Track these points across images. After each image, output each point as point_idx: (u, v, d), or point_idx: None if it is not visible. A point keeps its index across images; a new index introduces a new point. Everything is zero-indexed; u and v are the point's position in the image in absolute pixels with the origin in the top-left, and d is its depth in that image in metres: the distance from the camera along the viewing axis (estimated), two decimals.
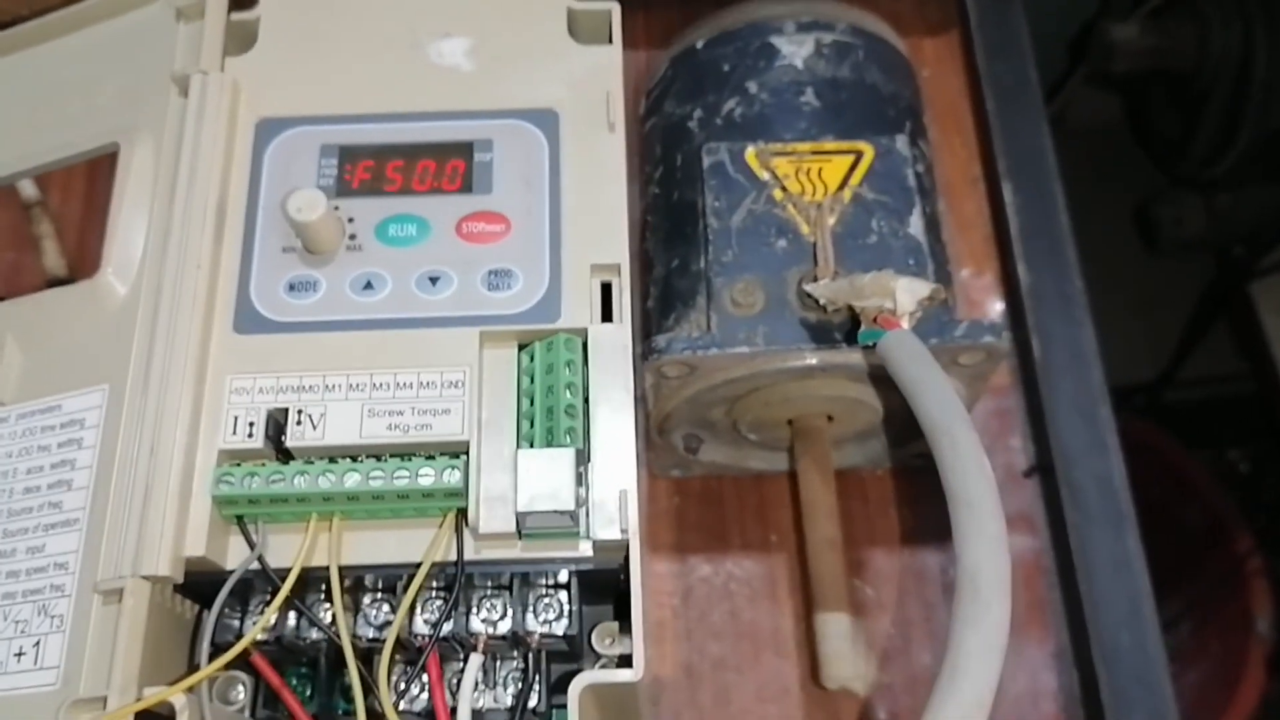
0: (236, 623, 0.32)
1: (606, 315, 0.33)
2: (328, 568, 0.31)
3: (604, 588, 0.33)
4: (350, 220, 0.34)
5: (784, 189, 0.38)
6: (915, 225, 0.38)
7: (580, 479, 0.31)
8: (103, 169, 0.50)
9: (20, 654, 0.30)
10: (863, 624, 0.42)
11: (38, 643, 0.30)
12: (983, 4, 0.52)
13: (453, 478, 0.31)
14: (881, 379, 0.37)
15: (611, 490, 0.31)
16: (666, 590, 0.44)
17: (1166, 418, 1.05)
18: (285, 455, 0.32)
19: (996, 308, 0.48)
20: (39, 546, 0.31)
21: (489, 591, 0.32)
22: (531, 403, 0.32)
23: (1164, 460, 0.97)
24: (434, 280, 0.33)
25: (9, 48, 0.39)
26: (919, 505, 0.45)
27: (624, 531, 0.30)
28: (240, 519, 0.31)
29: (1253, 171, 0.86)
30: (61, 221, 0.50)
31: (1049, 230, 0.48)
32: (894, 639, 0.43)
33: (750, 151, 0.39)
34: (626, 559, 0.31)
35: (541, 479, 0.30)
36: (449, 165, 0.34)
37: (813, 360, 0.36)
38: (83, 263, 0.49)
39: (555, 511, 0.30)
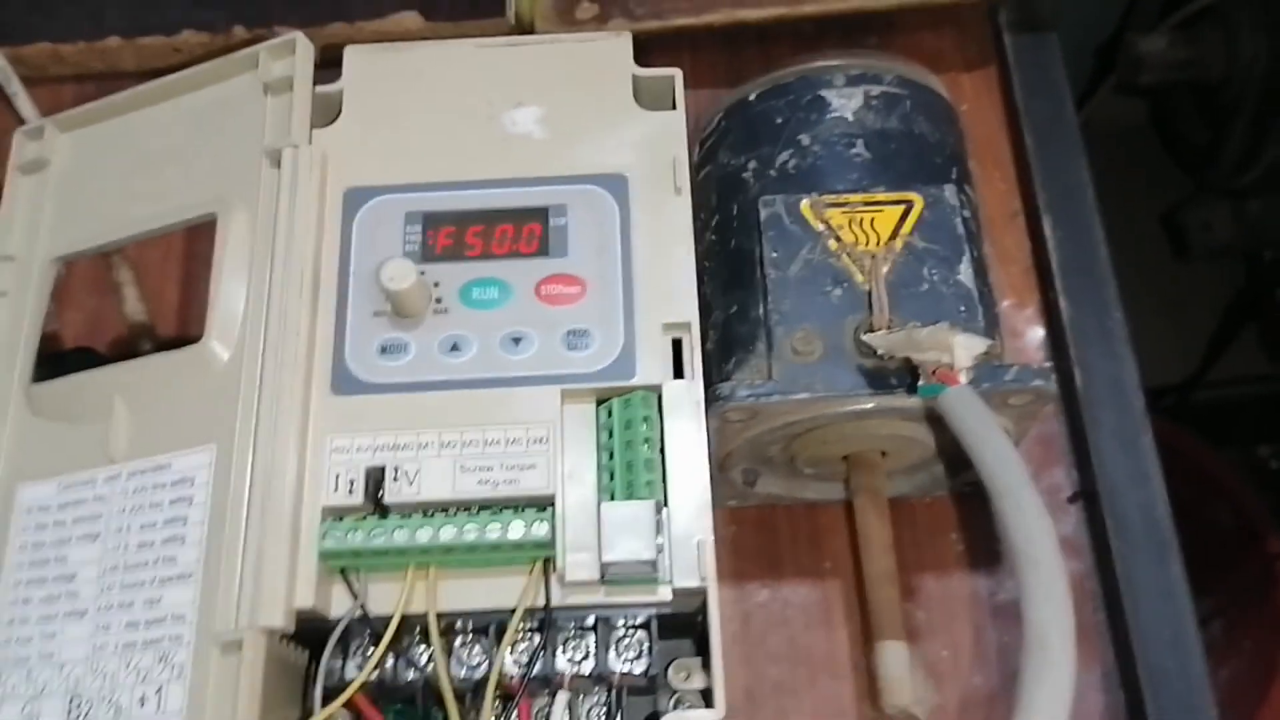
0: (339, 666, 0.34)
1: (678, 370, 0.35)
2: (424, 614, 0.33)
3: (681, 626, 0.35)
4: (436, 284, 0.36)
5: (838, 239, 0.40)
6: (965, 273, 0.40)
7: (659, 529, 0.33)
8: None
9: (144, 700, 0.32)
10: (917, 647, 0.44)
11: (160, 689, 0.32)
12: (1019, 42, 0.54)
13: (541, 530, 0.33)
14: (934, 419, 0.39)
15: (689, 539, 0.33)
16: (726, 616, 0.45)
17: (1196, 417, 1.06)
18: (383, 511, 0.34)
19: (1038, 337, 0.50)
20: (156, 599, 0.34)
21: (573, 633, 0.34)
22: (611, 456, 0.34)
23: (1191, 461, 0.98)
24: (516, 341, 0.35)
25: (98, 117, 0.42)
26: (967, 531, 0.46)
27: (703, 579, 0.32)
28: (343, 571, 0.34)
29: None
30: (139, 268, 0.52)
31: (1089, 265, 0.49)
32: (946, 660, 0.44)
33: (805, 203, 0.41)
34: (704, 604, 0.33)
35: (624, 530, 0.32)
36: (526, 229, 0.37)
37: (870, 405, 0.38)
38: (161, 309, 0.52)
39: (637, 561, 0.32)
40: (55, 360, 0.41)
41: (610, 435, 0.34)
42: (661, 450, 0.34)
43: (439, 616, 0.33)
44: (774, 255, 0.40)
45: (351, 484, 0.34)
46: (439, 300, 0.36)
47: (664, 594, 0.33)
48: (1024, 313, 0.50)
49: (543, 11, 0.52)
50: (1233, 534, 0.97)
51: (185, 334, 0.51)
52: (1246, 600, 0.96)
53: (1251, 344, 1.02)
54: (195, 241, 0.52)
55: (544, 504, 0.34)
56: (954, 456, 0.42)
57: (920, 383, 0.35)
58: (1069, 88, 0.53)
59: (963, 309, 0.39)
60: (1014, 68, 0.53)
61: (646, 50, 0.46)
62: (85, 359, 0.43)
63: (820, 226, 0.40)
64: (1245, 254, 0.98)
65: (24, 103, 0.52)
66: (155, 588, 0.34)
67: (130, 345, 0.49)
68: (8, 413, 0.38)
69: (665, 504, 0.34)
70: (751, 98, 0.44)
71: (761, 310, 0.39)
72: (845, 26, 0.52)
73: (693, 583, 0.32)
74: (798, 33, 0.53)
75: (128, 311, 0.51)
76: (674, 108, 0.39)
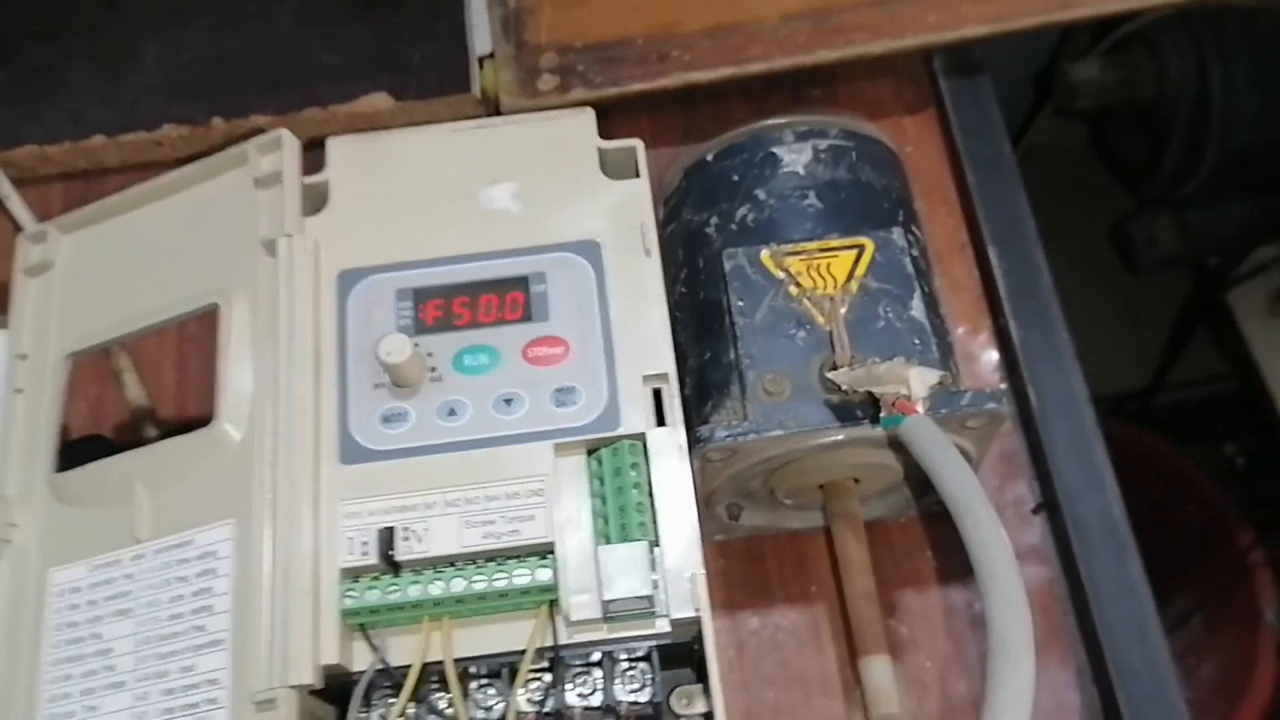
0: (364, 717, 0.37)
1: (660, 418, 0.38)
2: (441, 662, 0.36)
3: (680, 655, 0.38)
4: (430, 355, 0.39)
5: (798, 285, 0.43)
6: (917, 308, 0.43)
7: (654, 566, 0.36)
8: None
9: None
10: (900, 661, 0.47)
11: None
12: (954, 86, 0.57)
13: (544, 575, 0.36)
14: (900, 446, 0.42)
15: (682, 574, 0.36)
16: (721, 644, 0.48)
17: (1160, 421, 1.10)
18: (396, 568, 0.37)
19: (992, 360, 0.53)
20: (190, 666, 0.36)
21: (580, 669, 0.37)
22: (604, 502, 0.37)
23: (1158, 464, 1.01)
24: (508, 401, 0.38)
25: (99, 217, 0.44)
26: (940, 548, 0.49)
27: (697, 610, 0.35)
28: (363, 627, 0.36)
29: (1218, 189, 0.91)
30: (137, 353, 0.55)
31: (1035, 289, 0.53)
32: (929, 671, 0.47)
33: (765, 254, 0.44)
34: (699, 633, 0.35)
35: (621, 570, 0.35)
36: (509, 297, 0.40)
37: (839, 436, 0.41)
38: (159, 392, 0.54)
39: (636, 598, 0.35)
40: (69, 449, 0.43)
41: (601, 483, 0.37)
42: (650, 493, 0.37)
43: (455, 663, 0.36)
44: (740, 304, 0.43)
45: (365, 546, 0.36)
46: (433, 369, 0.39)
47: (662, 626, 0.36)
48: (978, 338, 0.54)
49: (506, 86, 0.55)
50: (1203, 531, 1.00)
51: (184, 413, 0.53)
52: (1223, 594, 0.98)
53: (1205, 346, 1.06)
54: (187, 325, 0.55)
55: (545, 551, 0.36)
56: (921, 479, 0.45)
57: (882, 414, 0.38)
58: (1004, 126, 0.57)
59: (917, 341, 0.42)
60: (951, 110, 0.57)
61: (607, 115, 0.49)
62: (97, 446, 0.46)
63: (781, 274, 0.43)
64: (1191, 262, 1.02)
65: (16, 204, 0.55)
66: (189, 656, 0.36)
67: (134, 428, 0.51)
68: (34, 502, 0.41)
69: (657, 543, 0.36)
70: (709, 158, 0.47)
71: (733, 355, 0.42)
72: (790, 81, 0.55)
73: (688, 613, 0.35)
74: (745, 89, 0.56)
75: (129, 397, 0.54)
76: (638, 175, 0.42)
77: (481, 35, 0.57)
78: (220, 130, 0.55)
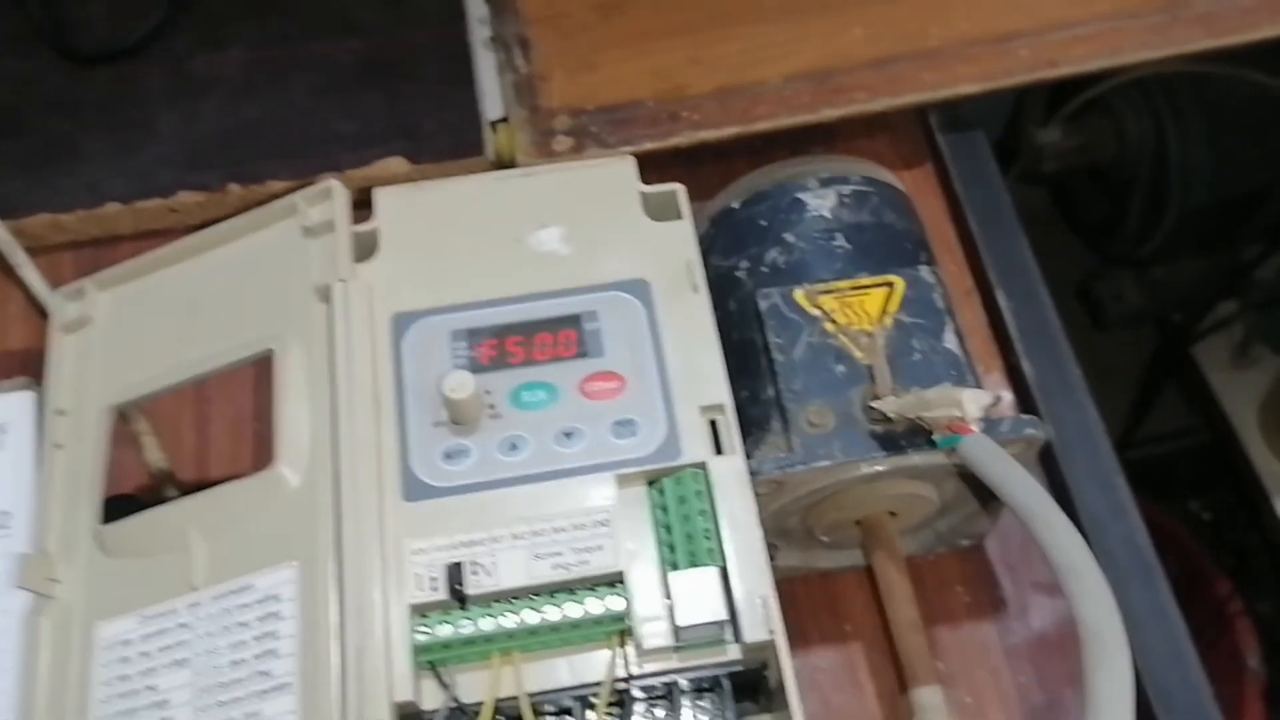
0: None
1: (718, 448, 0.39)
2: (511, 699, 0.35)
3: (745, 687, 0.38)
4: (487, 392, 0.39)
5: (834, 321, 0.45)
6: (950, 340, 0.44)
7: (725, 591, 0.36)
8: None
9: None
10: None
11: None
12: (951, 140, 0.60)
13: (616, 604, 0.36)
14: (939, 475, 0.43)
15: (752, 597, 0.36)
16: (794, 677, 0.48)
17: (1129, 476, 1.12)
18: (465, 603, 0.36)
19: (1007, 399, 0.55)
20: (256, 712, 0.35)
21: (652, 701, 0.37)
22: (669, 530, 0.37)
23: None
24: (568, 435, 0.39)
25: (141, 272, 0.45)
26: (972, 583, 0.50)
27: (770, 632, 0.35)
28: (433, 664, 0.36)
29: (1180, 246, 0.94)
30: (153, 417, 0.54)
31: (1042, 328, 0.55)
32: (970, 706, 0.47)
33: (799, 293, 0.45)
34: (772, 656, 0.36)
35: (694, 596, 0.35)
36: (563, 335, 0.40)
37: (883, 466, 0.42)
38: (179, 455, 0.54)
39: (711, 623, 0.35)
40: (105, 506, 0.43)
41: (665, 512, 0.38)
42: (714, 520, 0.37)
43: (530, 698, 0.35)
44: (778, 341, 0.44)
45: (434, 581, 0.36)
46: (492, 406, 0.39)
47: (734, 652, 0.36)
48: (991, 378, 0.55)
49: (522, 148, 0.56)
50: (1181, 583, 1.02)
51: (205, 476, 0.53)
52: (1206, 643, 1.00)
53: (1173, 404, 1.09)
54: (206, 386, 0.55)
55: (614, 580, 0.37)
56: (955, 511, 0.46)
57: (935, 437, 0.39)
58: (999, 176, 0.60)
59: (953, 372, 0.43)
60: (950, 162, 0.60)
61: None
62: (130, 504, 0.45)
63: (816, 312, 0.45)
64: (1156, 317, 1.06)
65: (30, 273, 0.55)
66: (253, 702, 0.35)
67: (155, 492, 0.51)
68: (76, 557, 0.40)
69: (726, 569, 0.37)
70: (735, 205, 0.49)
71: (773, 391, 0.43)
72: (790, 139, 0.58)
73: (762, 636, 0.35)
74: (749, 148, 0.58)
75: (149, 460, 0.53)
76: (680, 217, 0.43)
77: (493, 101, 0.59)
78: (236, 195, 0.56)
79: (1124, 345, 1.09)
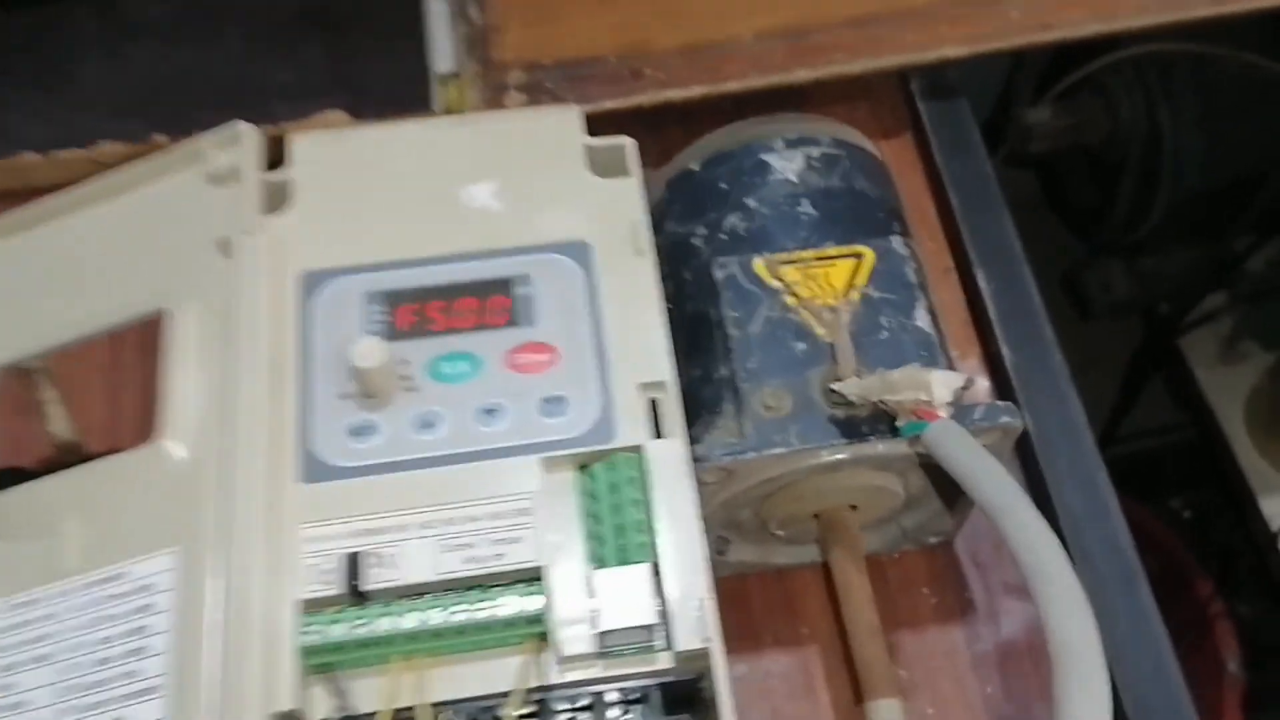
0: None
1: (657, 430, 0.35)
2: (412, 708, 0.31)
3: (678, 699, 0.34)
4: (403, 363, 0.35)
5: (795, 294, 0.41)
6: (922, 318, 0.40)
7: (656, 591, 0.32)
8: None
9: None
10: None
11: None
12: (933, 108, 0.56)
13: (533, 604, 0.32)
14: (904, 466, 0.40)
15: (688, 600, 0.32)
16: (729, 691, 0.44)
17: (1111, 472, 1.09)
18: (363, 599, 0.32)
19: (983, 387, 0.51)
20: (119, 719, 0.31)
21: (570, 714, 0.33)
22: (598, 522, 0.33)
23: None
24: (490, 413, 0.34)
25: (37, 219, 0.40)
26: (939, 583, 0.46)
27: (706, 640, 0.31)
28: (324, 668, 0.32)
29: (1171, 234, 0.91)
30: (62, 383, 0.50)
31: (1025, 311, 0.51)
32: (933, 718, 0.44)
33: (759, 262, 0.41)
34: (708, 666, 0.32)
35: (620, 596, 0.31)
36: (491, 301, 0.36)
37: (844, 454, 0.38)
38: (88, 426, 0.50)
39: (638, 627, 0.31)
40: None
41: (595, 500, 0.34)
42: (648, 511, 0.33)
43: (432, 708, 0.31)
44: (734, 315, 0.40)
45: (328, 574, 0.32)
46: (406, 378, 0.35)
47: (665, 661, 0.32)
48: (967, 364, 0.51)
49: (472, 104, 0.52)
50: (1163, 583, 0.99)
51: (116, 447, 0.48)
52: (1186, 646, 0.97)
53: (1157, 398, 1.06)
54: (119, 351, 0.51)
55: (533, 577, 0.32)
56: (921, 505, 0.42)
57: (899, 422, 0.35)
58: (984, 148, 0.56)
59: (924, 353, 0.39)
60: (931, 132, 0.56)
61: None
62: (18, 477, 0.41)
63: (776, 284, 0.41)
64: (1143, 308, 1.02)
65: None
66: (116, 707, 0.31)
67: (60, 464, 0.47)
68: None
69: (658, 567, 0.33)
70: (695, 167, 0.45)
71: (727, 370, 0.39)
72: (762, 102, 0.54)
73: (696, 644, 0.31)
74: (718, 109, 0.54)
75: (54, 430, 0.49)
76: (627, 174, 0.39)
77: (443, 53, 0.55)
78: (162, 147, 0.52)
79: (1109, 337, 1.05)
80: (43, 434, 0.49)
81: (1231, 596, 0.98)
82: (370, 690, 0.32)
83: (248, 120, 0.50)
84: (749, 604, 0.46)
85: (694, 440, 0.39)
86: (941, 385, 0.34)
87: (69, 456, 0.47)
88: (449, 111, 0.53)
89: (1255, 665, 0.94)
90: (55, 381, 0.50)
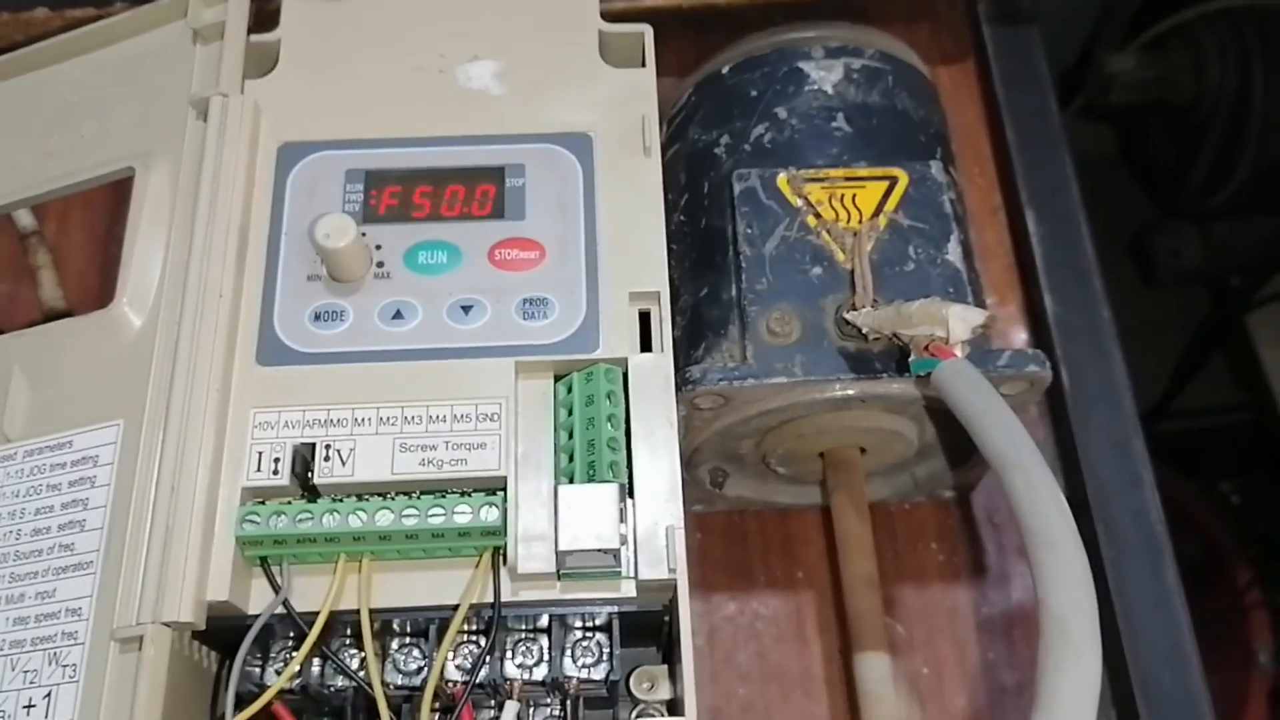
0: (257, 670, 0.30)
1: (645, 345, 0.32)
2: (356, 611, 0.29)
3: (645, 629, 0.32)
4: (378, 247, 0.33)
5: (818, 215, 0.37)
6: (953, 252, 0.37)
7: (623, 515, 0.29)
8: (101, 198, 0.49)
9: (30, 706, 0.28)
10: (896, 663, 0.41)
11: (49, 694, 0.28)
12: (999, 34, 0.52)
13: (490, 515, 0.29)
14: (920, 411, 0.36)
15: (656, 527, 0.30)
16: (692, 627, 0.42)
17: (1160, 448, 1.05)
18: (312, 493, 0.30)
19: (1021, 338, 0.47)
20: (49, 591, 0.29)
21: (524, 635, 0.31)
22: (570, 436, 0.31)
23: (1161, 491, 0.96)
24: (466, 309, 0.32)
25: (15, 71, 0.38)
26: (949, 540, 0.44)
27: (671, 570, 0.29)
28: (264, 561, 0.30)
29: (1250, 202, 0.86)
30: (59, 252, 0.48)
31: (1074, 260, 0.47)
32: (927, 679, 0.41)
33: (782, 178, 0.38)
34: (673, 599, 0.29)
35: (583, 516, 0.29)
36: (479, 190, 0.33)
37: (852, 390, 0.35)
38: (82, 295, 0.48)
39: (598, 550, 0.29)
40: None
41: (569, 413, 0.31)
42: (627, 430, 0.31)
43: (373, 614, 0.29)
44: (749, 232, 0.37)
45: (276, 463, 0.30)
46: (381, 264, 0.32)
47: (627, 589, 0.30)
48: (1005, 310, 0.48)
49: None
50: (1201, 566, 0.96)
51: None
52: (1216, 633, 0.94)
53: (1216, 375, 1.01)
54: (119, 224, 0.49)
55: (494, 487, 0.30)
56: (945, 449, 0.39)
57: (911, 359, 0.32)
58: (1050, 80, 0.52)
59: (951, 289, 0.36)
60: (994, 60, 0.51)
61: None
62: None
63: (798, 202, 0.37)
64: (1212, 279, 0.97)
65: None
66: (49, 579, 0.30)
67: None
68: None
69: (631, 490, 0.30)
70: (724, 70, 0.41)
71: (735, 291, 0.37)
72: (817, 15, 0.50)
73: (660, 574, 0.29)
74: (768, 20, 0.50)
75: (44, 298, 0.47)
76: (643, 65, 0.36)
77: None
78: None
79: (1173, 306, 1.00)
80: (33, 301, 0.47)
81: (1271, 587, 0.95)
82: (312, 588, 0.30)
83: None
84: (745, 541, 0.44)
85: (692, 361, 0.36)
86: (959, 321, 0.30)
87: None
88: None
89: None
90: (51, 248, 0.48)
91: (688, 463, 0.39)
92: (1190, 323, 1.01)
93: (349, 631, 0.30)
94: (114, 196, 0.46)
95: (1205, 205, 0.88)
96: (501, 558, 0.30)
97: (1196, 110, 0.84)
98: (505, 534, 0.29)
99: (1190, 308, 1.01)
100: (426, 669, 0.30)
